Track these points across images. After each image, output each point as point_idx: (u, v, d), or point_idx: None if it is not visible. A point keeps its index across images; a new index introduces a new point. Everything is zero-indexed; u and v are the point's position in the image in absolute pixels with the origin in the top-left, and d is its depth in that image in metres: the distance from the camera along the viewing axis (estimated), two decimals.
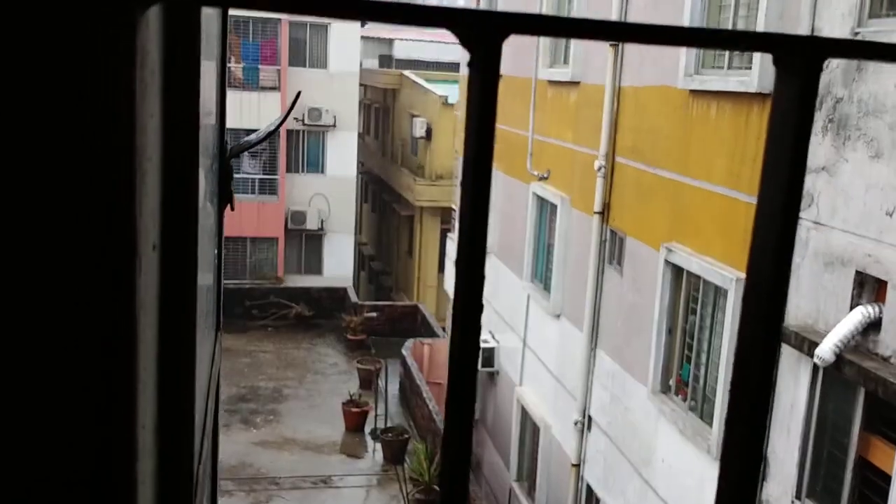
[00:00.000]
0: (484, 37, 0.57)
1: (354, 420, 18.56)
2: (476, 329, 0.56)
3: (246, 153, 26.41)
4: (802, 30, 7.12)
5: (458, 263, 0.56)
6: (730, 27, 8.49)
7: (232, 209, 1.97)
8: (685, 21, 8.95)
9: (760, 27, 7.65)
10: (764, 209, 0.64)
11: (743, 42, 0.67)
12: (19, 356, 0.57)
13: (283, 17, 26.64)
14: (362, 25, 28.77)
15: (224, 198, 1.91)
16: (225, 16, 2.21)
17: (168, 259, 0.85)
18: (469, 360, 0.57)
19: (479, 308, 0.56)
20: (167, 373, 0.91)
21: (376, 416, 18.41)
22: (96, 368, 0.59)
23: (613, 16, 10.63)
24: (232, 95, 25.74)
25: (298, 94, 3.06)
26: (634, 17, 10.38)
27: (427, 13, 0.57)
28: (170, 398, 0.95)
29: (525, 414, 13.98)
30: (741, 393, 0.60)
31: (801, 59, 0.63)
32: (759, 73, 7.66)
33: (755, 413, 0.60)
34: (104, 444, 0.62)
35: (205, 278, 1.47)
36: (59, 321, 0.58)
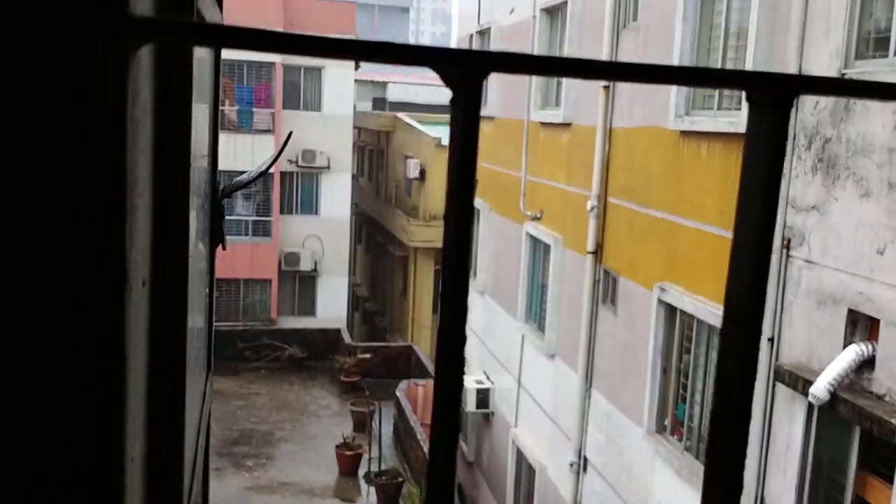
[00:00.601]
0: (464, 75, 0.59)
1: (348, 463, 18.39)
2: (460, 357, 0.57)
3: (240, 195, 26.48)
4: (790, 71, 7.22)
5: (443, 295, 0.58)
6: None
7: (223, 249, 1.98)
8: (674, 63, 9.06)
9: (749, 69, 7.76)
10: (739, 245, 0.65)
11: (716, 79, 0.69)
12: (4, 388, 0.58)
13: (278, 60, 26.88)
14: (356, 69, 29.02)
15: (216, 238, 1.92)
16: (217, 57, 2.24)
17: (158, 296, 0.86)
18: (453, 391, 0.57)
19: (463, 337, 0.57)
20: (157, 409, 0.92)
21: (370, 458, 18.25)
22: (86, 398, 0.60)
23: (603, 59, 10.76)
24: (226, 138, 25.64)
25: (289, 134, 3.09)
26: (624, 60, 10.50)
27: (410, 52, 0.58)
28: (159, 434, 0.96)
29: (520, 455, 13.88)
30: (721, 426, 0.61)
31: (772, 95, 0.64)
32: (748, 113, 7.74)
33: (734, 447, 0.61)
34: (92, 477, 0.62)
35: (196, 318, 1.48)
36: (48, 349, 0.58)
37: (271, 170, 26.05)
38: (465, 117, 0.59)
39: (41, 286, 0.57)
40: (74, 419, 0.60)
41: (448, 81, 0.58)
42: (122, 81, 0.56)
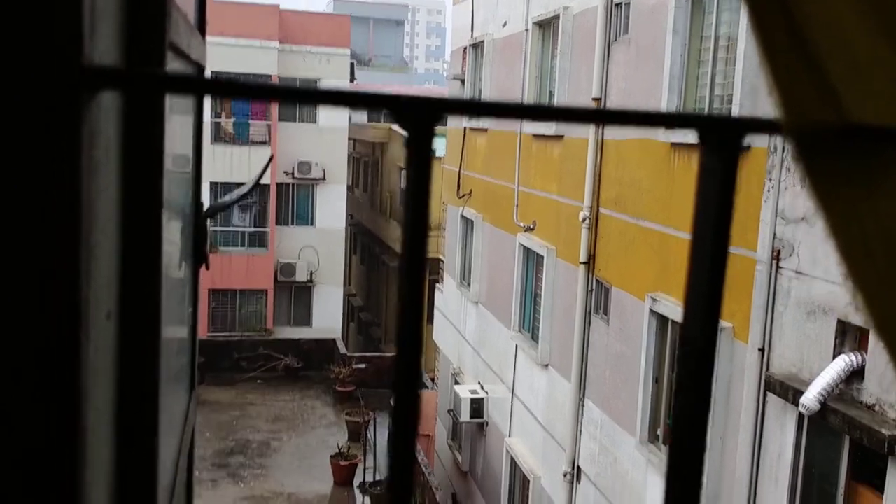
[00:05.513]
0: (417, 118, 0.61)
1: (343, 473, 18.38)
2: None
3: (236, 206, 26.47)
4: None
5: (398, 338, 0.59)
6: (707, 82, 8.64)
7: (207, 268, 1.99)
8: (665, 78, 9.10)
9: (738, 81, 7.80)
10: (693, 278, 0.67)
11: (669, 121, 0.71)
12: None
13: (273, 73, 26.92)
14: (351, 80, 29.07)
15: (199, 258, 1.93)
16: (202, 69, 2.24)
17: (127, 324, 0.87)
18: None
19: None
20: (127, 435, 0.93)
21: (365, 468, 18.23)
22: (40, 441, 0.61)
23: (595, 76, 10.80)
24: (223, 149, 25.58)
25: (271, 157, 3.13)
26: (616, 75, 10.55)
27: (370, 98, 0.61)
28: (130, 465, 0.96)
29: (514, 465, 13.87)
30: (684, 421, 0.62)
31: (721, 136, 0.66)
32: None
33: (696, 439, 0.62)
34: None
35: (173, 339, 1.49)
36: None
37: (268, 181, 26.09)
38: (419, 155, 0.61)
39: None
40: (26, 467, 0.60)
41: (403, 124, 0.61)
42: (74, 128, 0.57)
